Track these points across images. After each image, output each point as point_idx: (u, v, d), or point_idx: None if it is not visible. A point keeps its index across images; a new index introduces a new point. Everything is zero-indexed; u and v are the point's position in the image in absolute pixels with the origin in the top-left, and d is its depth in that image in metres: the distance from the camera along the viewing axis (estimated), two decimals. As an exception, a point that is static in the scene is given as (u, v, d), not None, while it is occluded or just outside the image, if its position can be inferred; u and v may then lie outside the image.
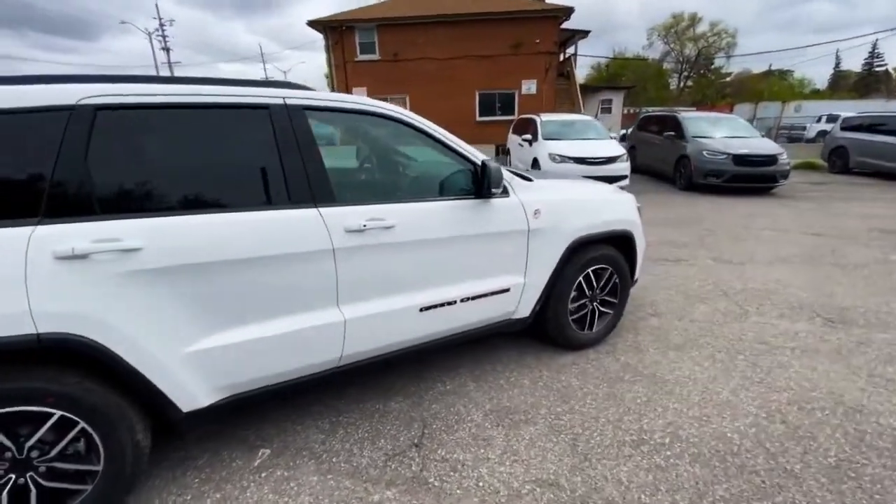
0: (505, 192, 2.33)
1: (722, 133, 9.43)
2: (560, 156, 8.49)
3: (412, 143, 2.34)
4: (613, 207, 2.80)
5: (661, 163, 10.38)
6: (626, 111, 23.78)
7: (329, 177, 1.88)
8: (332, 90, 18.43)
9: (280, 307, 1.82)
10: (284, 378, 1.93)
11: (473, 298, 2.31)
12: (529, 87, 17.77)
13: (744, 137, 9.27)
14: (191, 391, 1.71)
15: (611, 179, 8.43)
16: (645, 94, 46.26)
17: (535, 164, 8.98)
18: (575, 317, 2.82)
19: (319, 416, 2.29)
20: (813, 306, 3.51)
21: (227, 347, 1.74)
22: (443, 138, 2.19)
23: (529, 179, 2.69)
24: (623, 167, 8.59)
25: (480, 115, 18.25)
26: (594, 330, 2.92)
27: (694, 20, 46.53)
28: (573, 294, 2.76)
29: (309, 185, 1.82)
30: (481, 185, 2.12)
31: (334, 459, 2.01)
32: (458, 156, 2.23)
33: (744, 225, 6.20)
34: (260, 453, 2.06)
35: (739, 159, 8.43)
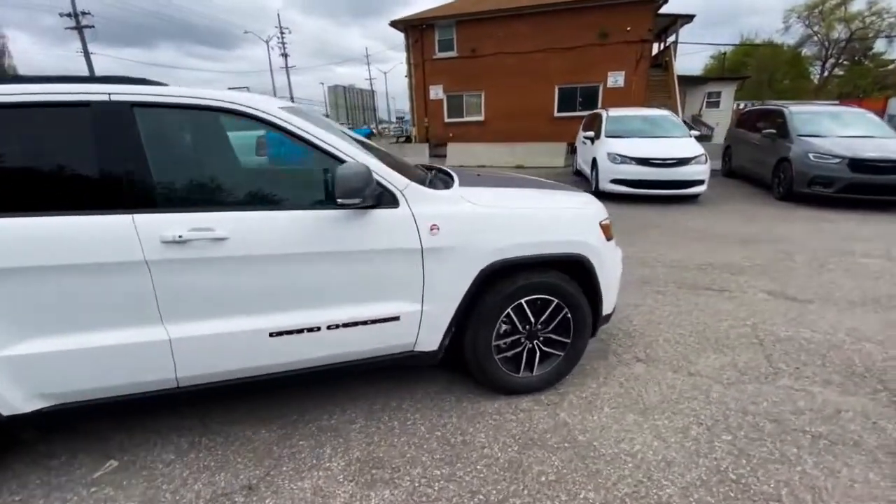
0: (393, 202, 1.94)
1: (842, 131, 7.53)
2: (620, 156, 7.50)
3: (293, 143, 2.03)
4: (558, 225, 2.20)
5: (759, 166, 8.67)
6: (739, 105, 20.54)
7: (155, 180, 1.69)
8: (410, 90, 18.76)
9: (96, 319, 1.69)
10: (114, 393, 1.80)
11: (347, 325, 1.96)
12: (616, 79, 16.19)
13: (872, 137, 7.29)
14: (5, 396, 1.66)
15: (681, 185, 7.27)
16: (777, 84, 39.78)
17: (595, 164, 8.07)
18: (506, 355, 2.32)
19: (186, 433, 2.14)
20: (884, 375, 2.50)
21: (45, 356, 1.67)
22: (310, 137, 1.85)
23: (448, 184, 2.25)
24: (698, 171, 7.30)
25: (559, 111, 17.12)
26: (535, 373, 2.37)
27: (848, -4, 38.62)
28: (504, 328, 2.26)
29: (125, 189, 1.64)
30: (333, 193, 1.75)
31: (163, 487, 1.83)
32: (332, 158, 1.88)
33: (840, 250, 4.82)
34: (107, 464, 1.97)
35: (858, 164, 6.61)
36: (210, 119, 1.84)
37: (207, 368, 1.85)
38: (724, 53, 37.09)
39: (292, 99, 52.41)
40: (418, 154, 15.22)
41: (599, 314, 2.42)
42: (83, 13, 28.25)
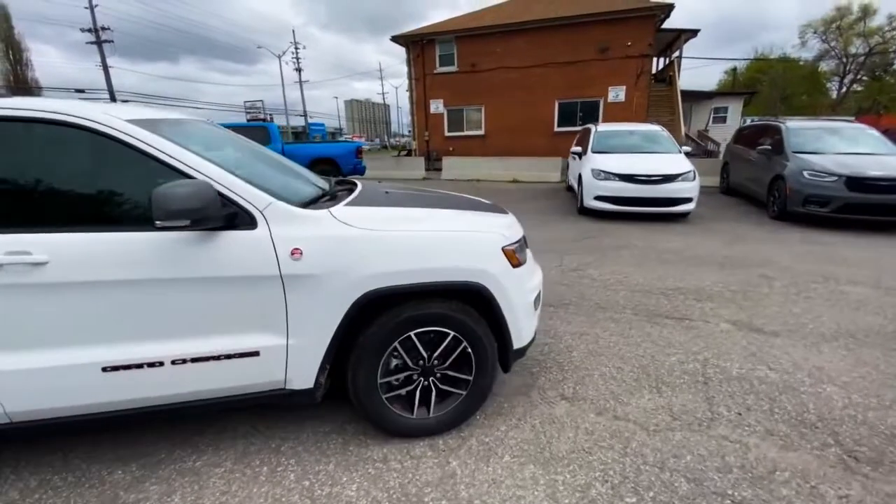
0: (251, 223, 1.74)
1: (841, 148, 7.18)
2: (604, 172, 7.25)
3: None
4: (449, 251, 1.97)
5: (754, 183, 8.33)
6: (745, 121, 20.06)
7: None
8: (411, 104, 18.82)
9: None
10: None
11: (196, 360, 1.75)
12: (617, 94, 15.97)
13: (871, 154, 6.91)
14: None
15: (667, 202, 6.98)
16: (795, 100, 39.01)
17: (581, 181, 7.82)
18: (400, 393, 2.08)
19: (43, 468, 1.95)
20: (839, 426, 2.18)
21: None
22: (156, 153, 1.66)
23: (329, 201, 2.05)
24: (685, 189, 6.99)
25: (559, 126, 16.93)
26: (432, 414, 2.12)
27: (867, 13, 37.93)
28: (394, 363, 2.03)
29: None
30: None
31: (-22, 541, 1.63)
32: (180, 175, 1.69)
33: (826, 275, 4.47)
34: (-65, 509, 1.78)
35: (855, 183, 6.24)
36: (37, 131, 1.67)
37: (37, 404, 1.66)
38: (735, 69, 36.64)
39: (305, 113, 53.25)
40: (414, 168, 15.17)
41: (508, 348, 2.18)
42: (103, 28, 29.32)
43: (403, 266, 1.88)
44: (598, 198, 7.29)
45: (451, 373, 2.11)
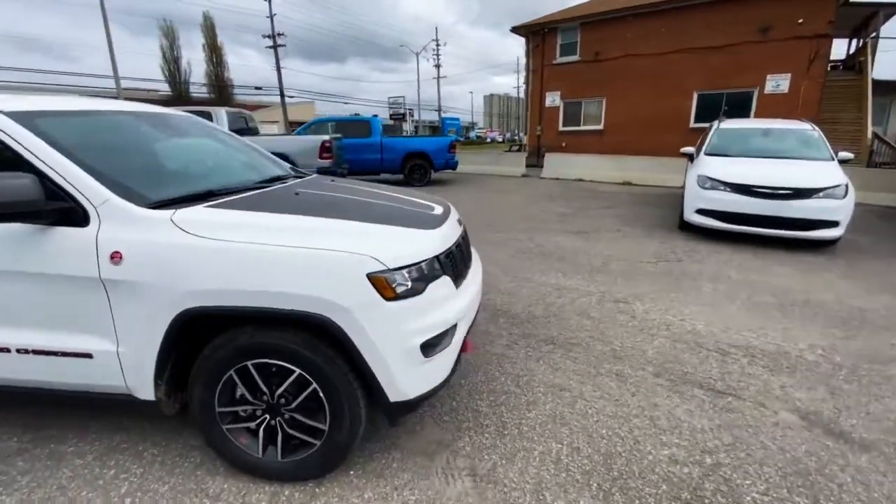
0: (84, 220, 1.62)
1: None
2: (711, 179, 5.81)
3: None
4: (296, 272, 1.56)
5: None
6: None
7: None
8: (526, 97, 18.02)
9: None
10: None
11: (38, 353, 1.73)
12: (778, 83, 12.87)
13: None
14: None
15: (799, 224, 5.31)
16: None
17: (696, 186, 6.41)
18: (247, 426, 1.80)
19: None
20: None
21: None
22: (16, 146, 1.64)
23: (197, 201, 1.82)
24: (829, 208, 5.19)
25: (696, 121, 14.39)
26: (282, 458, 1.80)
27: None
28: (238, 393, 1.76)
29: None
30: None
31: None
32: (27, 166, 1.64)
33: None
34: None
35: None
36: None
37: None
38: None
39: (439, 108, 55.50)
40: (515, 164, 14.51)
41: (382, 400, 1.72)
42: (279, 34, 34.52)
43: (234, 285, 1.58)
44: (701, 212, 5.87)
45: (299, 417, 1.75)
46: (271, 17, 34.09)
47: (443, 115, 67.45)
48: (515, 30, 17.36)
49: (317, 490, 1.80)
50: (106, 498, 1.74)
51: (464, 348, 2.06)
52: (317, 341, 1.65)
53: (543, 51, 16.84)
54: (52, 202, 1.61)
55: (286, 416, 1.76)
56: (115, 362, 1.72)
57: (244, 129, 8.61)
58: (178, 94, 34.57)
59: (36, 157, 1.65)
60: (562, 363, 2.78)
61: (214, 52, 38.94)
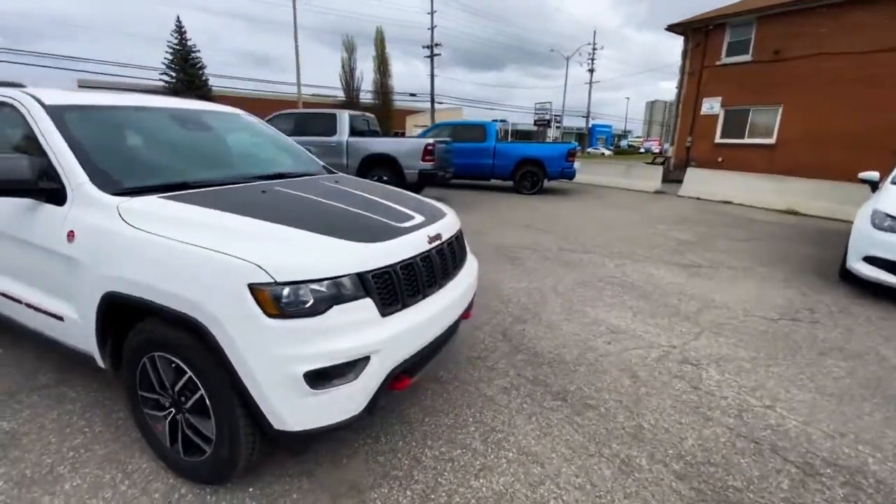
0: (64, 200, 1.86)
1: None
2: (893, 217, 4.19)
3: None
4: (179, 271, 1.51)
5: None
6: None
7: None
8: (677, 104, 15.82)
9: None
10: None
11: (30, 307, 2.05)
12: None
13: None
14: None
15: None
16: None
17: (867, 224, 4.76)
18: (163, 415, 1.83)
19: None
20: None
21: None
22: (32, 126, 2.00)
23: (163, 191, 1.92)
24: None
25: (920, 139, 10.75)
26: (183, 455, 1.77)
27: None
28: (152, 381, 1.80)
29: None
30: None
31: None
32: (39, 150, 1.96)
33: None
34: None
35: None
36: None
37: None
38: None
39: (588, 114, 52.72)
40: (647, 178, 12.83)
41: (265, 425, 1.56)
42: (436, 44, 37.08)
43: (138, 276, 1.61)
44: (871, 260, 4.27)
45: (192, 420, 1.70)
46: (431, 28, 36.77)
47: (594, 121, 63.89)
48: (672, 28, 15.33)
49: (209, 497, 1.73)
50: (21, 450, 1.96)
51: (394, 385, 1.78)
52: (202, 347, 1.57)
53: (705, 50, 14.53)
54: (44, 182, 1.87)
55: (185, 415, 1.73)
56: (78, 329, 1.91)
57: (366, 130, 9.29)
58: (350, 100, 39.49)
59: (47, 143, 1.94)
60: (558, 428, 2.24)
61: (382, 63, 43.51)
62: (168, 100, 2.83)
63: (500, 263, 5.05)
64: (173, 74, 29.57)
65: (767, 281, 4.77)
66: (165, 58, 29.46)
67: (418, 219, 2.14)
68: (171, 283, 1.54)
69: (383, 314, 1.68)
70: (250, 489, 1.78)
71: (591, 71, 51.03)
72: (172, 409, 1.77)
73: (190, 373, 1.62)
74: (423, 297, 1.91)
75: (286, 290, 1.48)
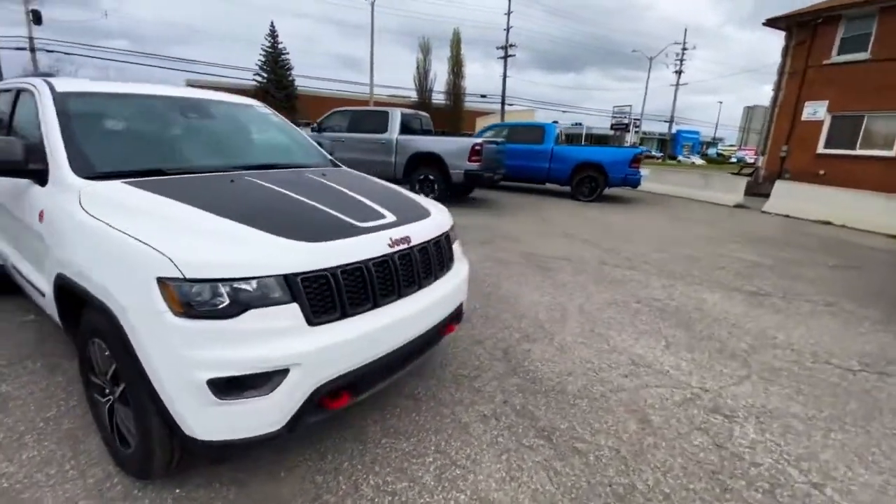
0: (45, 181, 1.94)
1: None
2: None
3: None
4: (106, 257, 1.50)
5: None
6: None
7: None
8: (772, 107, 14.03)
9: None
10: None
11: (27, 280, 2.21)
12: None
13: None
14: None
15: None
16: None
17: None
18: (104, 401, 1.81)
19: None
20: None
21: None
22: (39, 111, 2.13)
23: (129, 177, 1.93)
24: None
25: None
26: (121, 447, 1.73)
27: None
28: (96, 366, 1.79)
29: None
30: None
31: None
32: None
33: None
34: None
35: None
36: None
37: None
38: None
39: (671, 119, 48.99)
40: (728, 191, 11.50)
41: (175, 428, 1.45)
42: (511, 45, 36.69)
43: (73, 259, 1.64)
44: None
45: (121, 410, 1.66)
46: (507, 29, 36.37)
47: (680, 127, 59.10)
48: (773, 22, 13.58)
49: (136, 492, 1.68)
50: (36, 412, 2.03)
51: (328, 403, 1.61)
52: (118, 339, 1.50)
53: (811, 48, 12.70)
54: (34, 164, 1.95)
55: (116, 404, 1.69)
56: (52, 306, 1.96)
57: (418, 129, 9.26)
58: (422, 101, 40.24)
59: (44, 126, 2.02)
60: (529, 473, 1.92)
61: (456, 64, 43.82)
62: (185, 90, 2.90)
63: (527, 274, 4.68)
64: (264, 75, 32.08)
65: (855, 320, 3.93)
66: (259, 60, 32.05)
67: (388, 219, 1.95)
68: (95, 270, 1.52)
69: (312, 323, 1.51)
70: (176, 490, 1.70)
71: (679, 73, 47.36)
72: (111, 397, 1.74)
73: (115, 363, 1.57)
74: (374, 307, 1.71)
75: (194, 288, 1.36)
